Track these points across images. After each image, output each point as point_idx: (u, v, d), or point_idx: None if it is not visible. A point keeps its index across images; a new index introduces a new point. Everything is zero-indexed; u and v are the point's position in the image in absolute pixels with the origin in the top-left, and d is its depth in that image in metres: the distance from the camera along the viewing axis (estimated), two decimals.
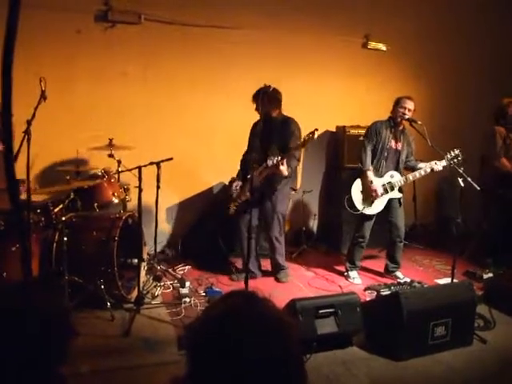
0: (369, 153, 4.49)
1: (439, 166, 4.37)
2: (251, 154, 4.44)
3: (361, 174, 4.53)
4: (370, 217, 4.54)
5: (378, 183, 4.45)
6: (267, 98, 4.21)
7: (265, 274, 4.72)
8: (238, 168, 4.68)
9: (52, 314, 1.10)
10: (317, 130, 3.75)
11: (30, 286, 0.89)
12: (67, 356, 1.08)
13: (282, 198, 4.45)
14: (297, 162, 4.36)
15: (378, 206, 4.48)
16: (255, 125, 4.52)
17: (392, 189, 4.48)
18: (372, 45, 6.02)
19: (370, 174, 4.44)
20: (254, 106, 4.27)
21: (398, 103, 4.45)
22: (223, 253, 5.11)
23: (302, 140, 3.86)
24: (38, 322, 1.04)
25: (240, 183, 4.53)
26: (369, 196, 4.47)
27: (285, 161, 4.05)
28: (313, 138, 3.76)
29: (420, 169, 4.47)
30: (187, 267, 4.82)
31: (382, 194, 4.44)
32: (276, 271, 4.64)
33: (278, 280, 4.61)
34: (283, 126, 4.29)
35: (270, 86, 4.22)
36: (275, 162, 4.04)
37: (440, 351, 3.24)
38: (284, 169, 4.09)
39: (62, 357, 1.07)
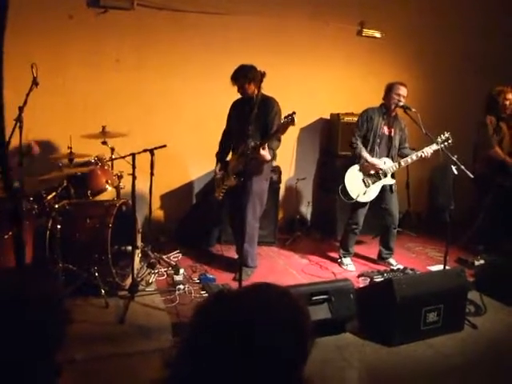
0: (359, 138, 4.48)
1: (430, 150, 4.35)
2: (229, 135, 4.41)
3: (355, 160, 4.52)
4: (363, 204, 4.55)
5: (375, 159, 4.43)
6: (248, 77, 4.03)
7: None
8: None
9: (47, 300, 1.10)
10: (295, 112, 3.49)
11: (25, 273, 0.89)
12: (63, 343, 1.08)
13: (258, 178, 4.16)
14: (278, 142, 4.05)
15: (371, 193, 4.49)
16: (234, 104, 4.40)
17: (385, 175, 4.49)
18: (367, 32, 5.97)
19: (365, 154, 4.42)
20: (234, 86, 4.11)
21: (391, 89, 4.41)
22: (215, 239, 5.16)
23: (282, 124, 3.64)
24: (33, 309, 1.04)
25: (220, 166, 4.45)
26: (371, 175, 4.45)
27: (266, 145, 3.85)
28: (292, 123, 3.51)
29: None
30: (181, 254, 4.81)
31: (382, 170, 4.41)
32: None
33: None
34: (264, 106, 3.94)
35: (250, 65, 4.06)
36: (253, 145, 3.80)
37: (432, 336, 3.30)
38: (265, 153, 3.88)
39: (57, 344, 1.08)
